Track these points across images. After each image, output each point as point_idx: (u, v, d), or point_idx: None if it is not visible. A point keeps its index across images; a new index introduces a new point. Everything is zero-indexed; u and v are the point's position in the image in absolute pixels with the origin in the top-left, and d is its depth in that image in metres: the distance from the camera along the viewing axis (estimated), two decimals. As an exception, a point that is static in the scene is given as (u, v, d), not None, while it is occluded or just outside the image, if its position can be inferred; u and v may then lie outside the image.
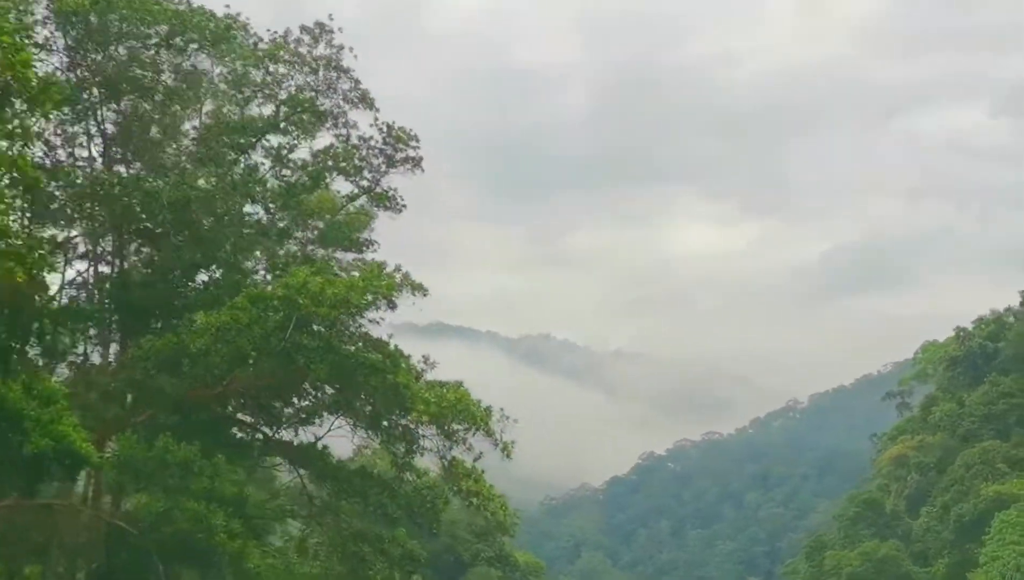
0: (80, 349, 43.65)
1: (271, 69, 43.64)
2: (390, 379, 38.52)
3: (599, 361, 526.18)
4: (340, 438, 44.98)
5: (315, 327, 38.19)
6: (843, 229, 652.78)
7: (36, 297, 38.27)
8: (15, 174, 29.81)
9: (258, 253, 45.64)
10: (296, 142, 45.02)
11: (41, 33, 38.68)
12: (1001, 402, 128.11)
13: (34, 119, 32.33)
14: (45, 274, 37.85)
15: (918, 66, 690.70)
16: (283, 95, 44.06)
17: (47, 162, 40.52)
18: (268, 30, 44.26)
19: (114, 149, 42.99)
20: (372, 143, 44.89)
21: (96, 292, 43.57)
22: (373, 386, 39.21)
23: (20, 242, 33.03)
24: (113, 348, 44.18)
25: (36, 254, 33.74)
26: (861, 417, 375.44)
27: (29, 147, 32.47)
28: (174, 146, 44.21)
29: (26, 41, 30.29)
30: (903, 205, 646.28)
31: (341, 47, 43.57)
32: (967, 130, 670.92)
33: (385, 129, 44.68)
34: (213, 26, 41.46)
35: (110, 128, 43.14)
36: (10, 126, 28.96)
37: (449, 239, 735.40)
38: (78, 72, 41.51)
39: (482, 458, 42.55)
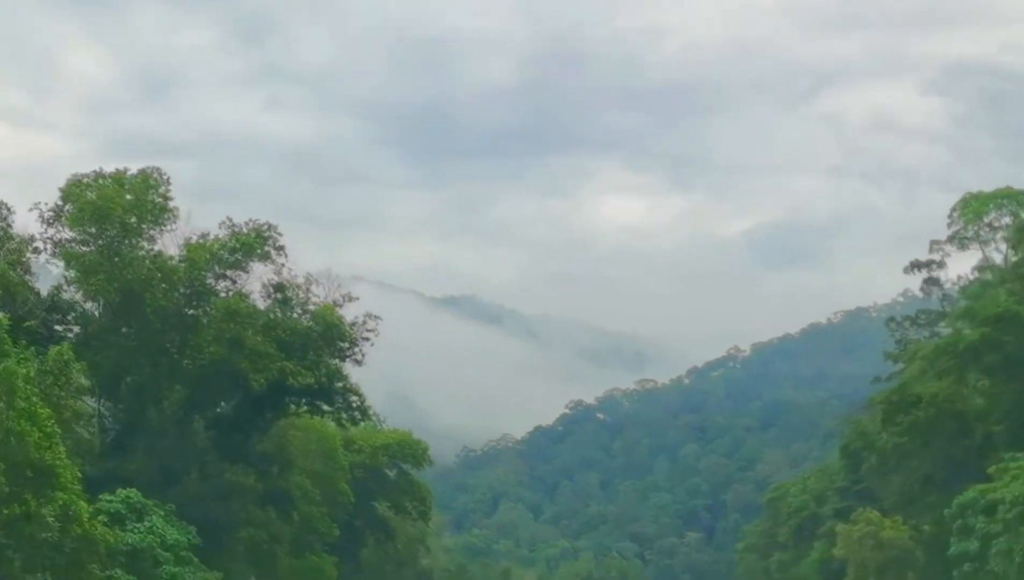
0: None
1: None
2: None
3: (525, 321, 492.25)
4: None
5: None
6: (766, 206, 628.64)
7: None
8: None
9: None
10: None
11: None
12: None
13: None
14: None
15: (845, 43, 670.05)
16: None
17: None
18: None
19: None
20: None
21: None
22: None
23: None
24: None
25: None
26: (809, 367, 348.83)
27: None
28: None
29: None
30: (826, 183, 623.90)
31: None
32: (894, 108, 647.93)
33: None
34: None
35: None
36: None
37: (374, 206, 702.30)
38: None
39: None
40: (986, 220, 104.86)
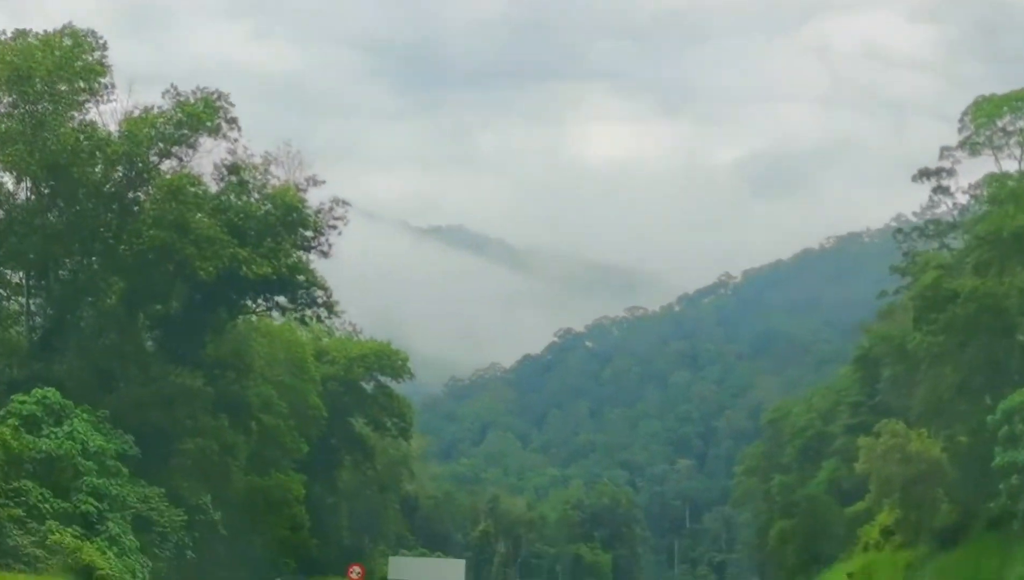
0: None
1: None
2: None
3: (512, 250, 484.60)
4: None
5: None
6: (755, 135, 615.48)
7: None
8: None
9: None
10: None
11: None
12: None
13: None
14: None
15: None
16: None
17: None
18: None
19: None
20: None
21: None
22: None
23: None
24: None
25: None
26: (801, 294, 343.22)
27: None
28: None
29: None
30: (815, 113, 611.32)
31: None
32: (884, 37, 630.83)
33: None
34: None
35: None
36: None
37: (361, 137, 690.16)
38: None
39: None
40: (1000, 124, 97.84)
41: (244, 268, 42.14)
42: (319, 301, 46.83)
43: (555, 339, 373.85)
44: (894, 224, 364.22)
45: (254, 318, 54.47)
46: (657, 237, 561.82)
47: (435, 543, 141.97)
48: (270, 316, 51.60)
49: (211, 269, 41.62)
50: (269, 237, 44.39)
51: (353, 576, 53.43)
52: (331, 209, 47.35)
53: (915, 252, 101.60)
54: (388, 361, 64.93)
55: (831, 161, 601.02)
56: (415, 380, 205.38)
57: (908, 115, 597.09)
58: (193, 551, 42.57)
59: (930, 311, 52.68)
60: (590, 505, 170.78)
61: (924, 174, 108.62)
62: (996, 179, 75.88)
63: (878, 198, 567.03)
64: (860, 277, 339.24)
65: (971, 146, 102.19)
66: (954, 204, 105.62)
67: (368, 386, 66.94)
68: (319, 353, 64.63)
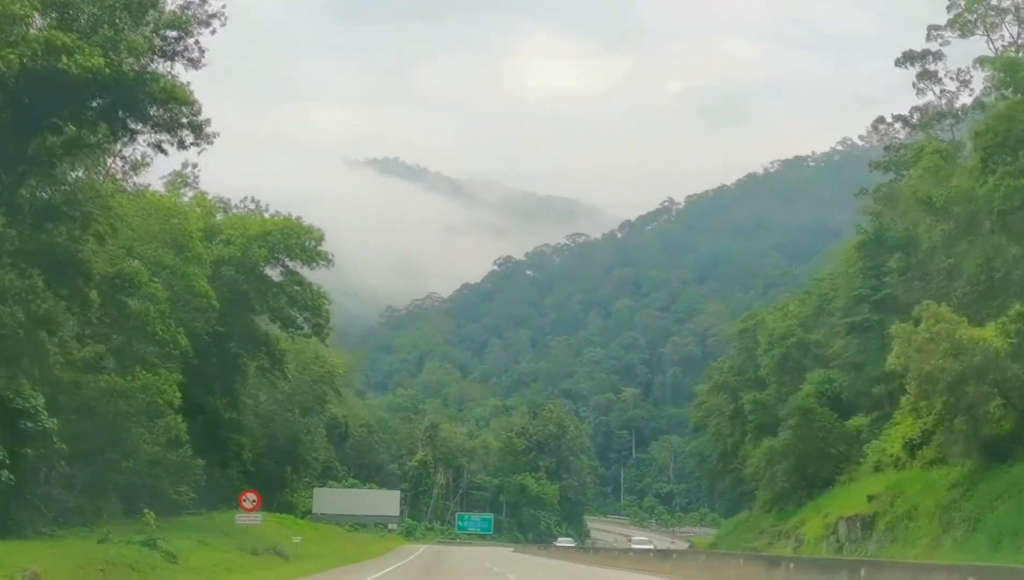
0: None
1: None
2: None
3: (451, 181, 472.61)
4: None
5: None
6: (698, 72, 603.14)
7: None
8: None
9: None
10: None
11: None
12: None
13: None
14: None
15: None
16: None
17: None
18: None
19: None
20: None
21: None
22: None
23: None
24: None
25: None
26: (746, 218, 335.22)
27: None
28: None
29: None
30: (759, 49, 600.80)
31: None
32: None
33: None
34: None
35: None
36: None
37: (293, 71, 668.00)
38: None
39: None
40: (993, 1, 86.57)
41: (65, 60, 28.20)
42: (183, 121, 32.31)
43: (495, 268, 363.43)
44: (840, 148, 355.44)
45: (112, 167, 40.91)
46: (598, 169, 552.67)
47: (367, 474, 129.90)
48: (114, 146, 37.13)
49: (12, 57, 27.65)
50: (107, 24, 30.42)
51: (247, 505, 40.87)
52: (203, 1, 33.39)
53: (898, 145, 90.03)
54: (297, 240, 51.25)
55: (773, 95, 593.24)
56: (352, 311, 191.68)
57: (851, 52, 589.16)
58: (11, 472, 29.49)
59: (1003, 151, 40.48)
60: (535, 433, 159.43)
61: (909, 58, 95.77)
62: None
63: (822, 127, 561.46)
64: (805, 201, 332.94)
65: (961, 25, 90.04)
66: (942, 91, 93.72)
67: (274, 273, 53.43)
68: (210, 232, 51.17)
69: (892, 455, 55.80)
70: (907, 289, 65.90)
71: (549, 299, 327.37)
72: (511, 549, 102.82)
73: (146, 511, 35.84)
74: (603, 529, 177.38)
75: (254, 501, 41.00)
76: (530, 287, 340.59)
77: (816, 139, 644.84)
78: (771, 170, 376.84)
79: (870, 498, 50.92)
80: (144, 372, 39.21)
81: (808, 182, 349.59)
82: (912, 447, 52.40)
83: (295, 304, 52.62)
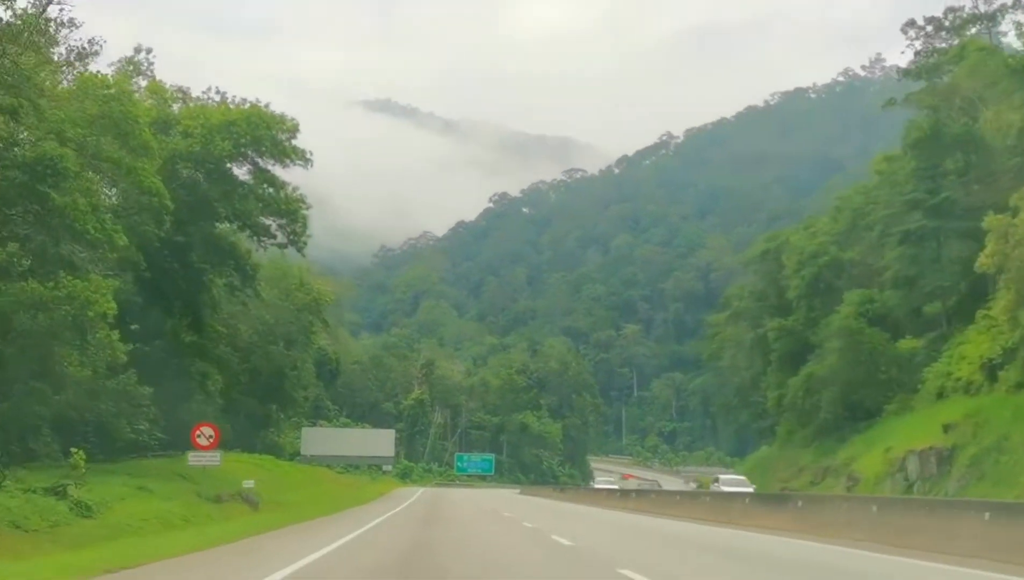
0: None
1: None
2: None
3: (443, 121, 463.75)
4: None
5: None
6: (688, 10, 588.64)
7: None
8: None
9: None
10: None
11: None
12: None
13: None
14: None
15: None
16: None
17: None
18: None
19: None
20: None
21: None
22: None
23: None
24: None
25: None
26: (747, 150, 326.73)
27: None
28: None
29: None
30: None
31: None
32: None
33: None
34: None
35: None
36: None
37: (280, 8, 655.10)
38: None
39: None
40: None
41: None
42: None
43: (490, 205, 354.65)
44: (842, 79, 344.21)
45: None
46: (593, 107, 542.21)
47: (360, 414, 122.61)
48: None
49: None
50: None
51: (201, 442, 33.09)
52: None
53: (931, 50, 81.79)
54: (267, 131, 42.68)
55: (767, 29, 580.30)
56: (344, 251, 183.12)
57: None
58: None
59: None
60: (535, 370, 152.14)
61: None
62: None
63: (823, 59, 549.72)
64: (807, 132, 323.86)
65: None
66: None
67: (240, 171, 44.84)
68: (164, 124, 42.75)
69: (961, 379, 48.24)
70: (967, 192, 58.09)
71: (546, 236, 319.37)
72: (516, 491, 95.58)
73: (75, 451, 28.01)
74: (605, 469, 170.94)
75: (211, 437, 33.21)
76: (526, 224, 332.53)
77: (818, 72, 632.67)
78: (771, 103, 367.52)
79: (946, 428, 43.36)
80: (71, 278, 31.25)
81: (809, 114, 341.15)
82: (991, 368, 44.82)
83: (267, 209, 44.48)
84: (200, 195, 43.51)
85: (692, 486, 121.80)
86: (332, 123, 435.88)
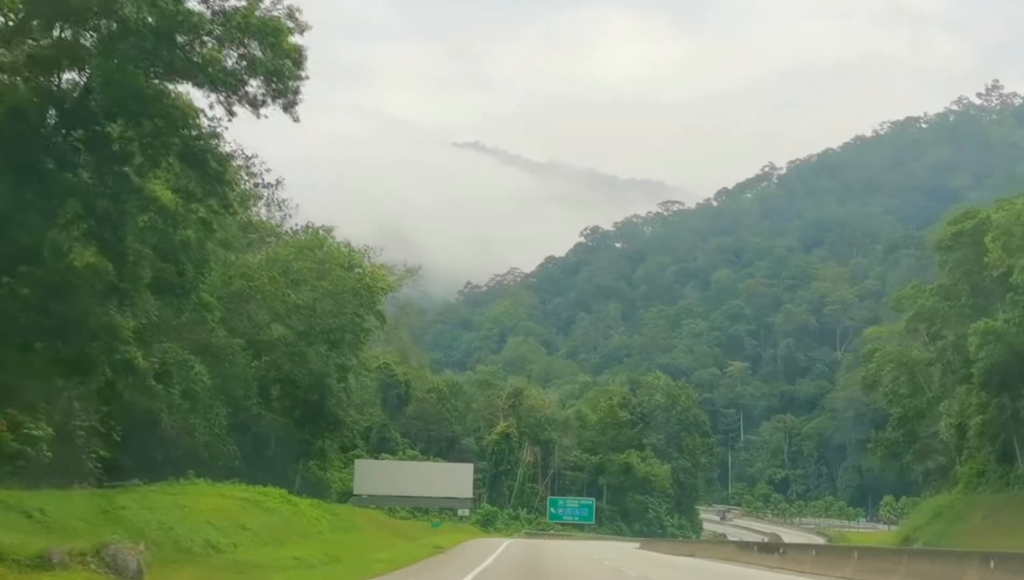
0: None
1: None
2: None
3: (532, 164, 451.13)
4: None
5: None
6: (771, 52, 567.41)
7: None
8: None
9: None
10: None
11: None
12: None
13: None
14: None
15: None
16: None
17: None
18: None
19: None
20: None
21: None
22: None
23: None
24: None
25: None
26: (855, 179, 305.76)
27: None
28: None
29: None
30: (836, 27, 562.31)
31: None
32: None
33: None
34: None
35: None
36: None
37: (366, 58, 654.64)
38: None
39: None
40: None
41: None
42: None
43: (581, 239, 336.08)
44: (956, 108, 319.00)
45: None
46: (686, 145, 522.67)
47: (436, 451, 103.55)
48: None
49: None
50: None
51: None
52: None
53: None
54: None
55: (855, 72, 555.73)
56: (427, 289, 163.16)
57: (926, 30, 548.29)
58: None
59: None
60: (638, 404, 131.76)
61: None
62: None
63: (929, 92, 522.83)
64: (921, 161, 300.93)
65: None
66: None
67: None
68: None
69: None
70: None
71: (640, 271, 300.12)
72: (635, 545, 74.85)
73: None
74: (712, 520, 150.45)
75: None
76: (619, 258, 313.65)
77: (929, 101, 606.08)
78: (880, 132, 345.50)
79: None
80: None
81: (921, 143, 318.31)
82: None
83: (246, 65, 25.98)
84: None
85: (820, 540, 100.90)
86: (418, 163, 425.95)
